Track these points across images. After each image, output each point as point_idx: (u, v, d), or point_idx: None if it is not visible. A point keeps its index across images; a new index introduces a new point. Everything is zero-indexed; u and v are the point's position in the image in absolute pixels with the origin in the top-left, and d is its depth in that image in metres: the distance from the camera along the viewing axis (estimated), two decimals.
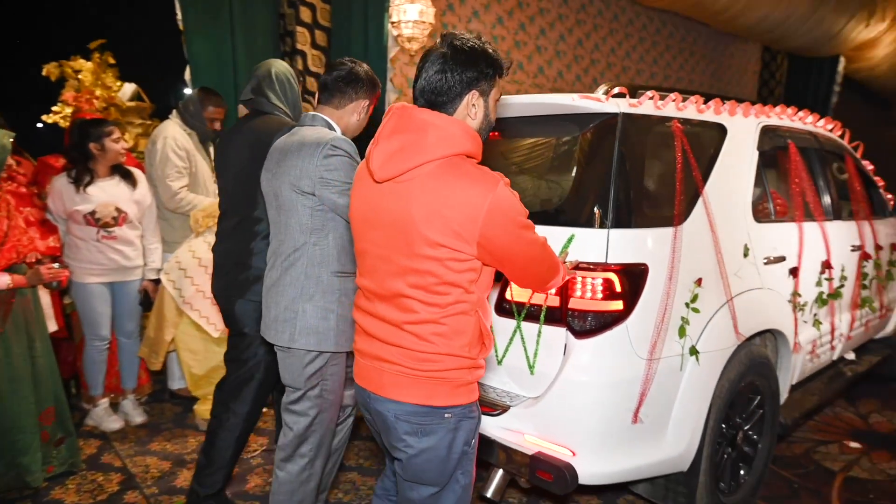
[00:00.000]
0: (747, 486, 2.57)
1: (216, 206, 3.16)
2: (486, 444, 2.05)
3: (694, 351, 2.11)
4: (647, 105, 2.20)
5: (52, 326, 2.84)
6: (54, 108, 4.07)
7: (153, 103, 4.47)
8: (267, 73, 2.32)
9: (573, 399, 1.97)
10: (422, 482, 1.47)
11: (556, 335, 2.02)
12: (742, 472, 2.58)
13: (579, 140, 2.16)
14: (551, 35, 7.12)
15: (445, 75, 1.36)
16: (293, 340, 1.85)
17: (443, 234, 1.33)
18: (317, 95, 1.99)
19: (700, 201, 2.23)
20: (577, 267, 1.91)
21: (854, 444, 3.33)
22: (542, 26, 6.98)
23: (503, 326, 2.15)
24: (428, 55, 1.39)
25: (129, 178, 3.14)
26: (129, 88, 4.26)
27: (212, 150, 3.66)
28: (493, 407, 2.07)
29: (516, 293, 2.07)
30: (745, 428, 2.54)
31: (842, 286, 3.07)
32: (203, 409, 3.23)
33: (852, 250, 3.22)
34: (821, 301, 2.90)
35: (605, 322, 1.94)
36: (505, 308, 2.15)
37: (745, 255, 2.39)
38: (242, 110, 3.62)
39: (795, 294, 2.69)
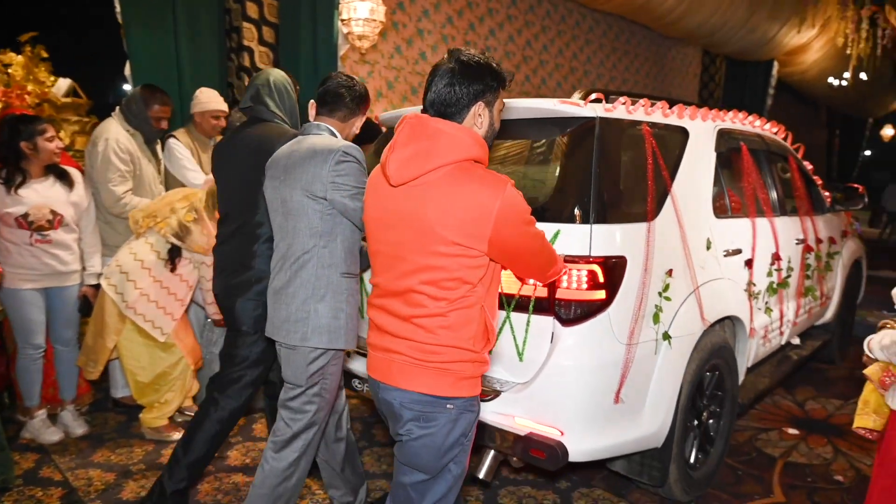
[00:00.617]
0: (711, 460, 2.82)
1: (157, 206, 3.06)
2: (480, 427, 2.15)
3: (667, 336, 2.34)
4: (620, 110, 2.42)
5: None
6: None
7: (90, 99, 4.30)
8: (265, 82, 2.43)
9: (561, 382, 2.15)
10: (415, 467, 1.58)
11: (544, 324, 2.18)
12: (706, 448, 2.81)
13: (561, 142, 2.35)
14: (501, 36, 7.20)
15: (454, 88, 1.50)
16: (306, 339, 1.96)
17: (456, 233, 1.46)
18: (315, 105, 2.12)
19: (669, 199, 2.45)
20: (564, 260, 2.07)
21: (792, 431, 3.51)
22: (491, 27, 7.05)
23: None
24: (437, 70, 1.53)
25: (66, 179, 3.01)
26: (63, 84, 4.08)
27: (159, 149, 3.53)
28: (484, 393, 2.20)
29: (505, 286, 2.21)
30: (709, 407, 2.77)
31: (789, 276, 3.37)
32: (149, 418, 3.14)
33: (797, 243, 3.52)
34: (771, 290, 3.18)
35: (590, 310, 2.14)
36: None
37: (708, 248, 2.64)
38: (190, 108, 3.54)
39: (750, 283, 2.96)
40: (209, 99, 3.75)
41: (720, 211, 2.80)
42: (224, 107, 3.83)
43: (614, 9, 7.29)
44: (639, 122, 2.46)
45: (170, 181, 3.59)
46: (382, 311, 1.60)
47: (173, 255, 3.08)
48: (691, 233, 2.50)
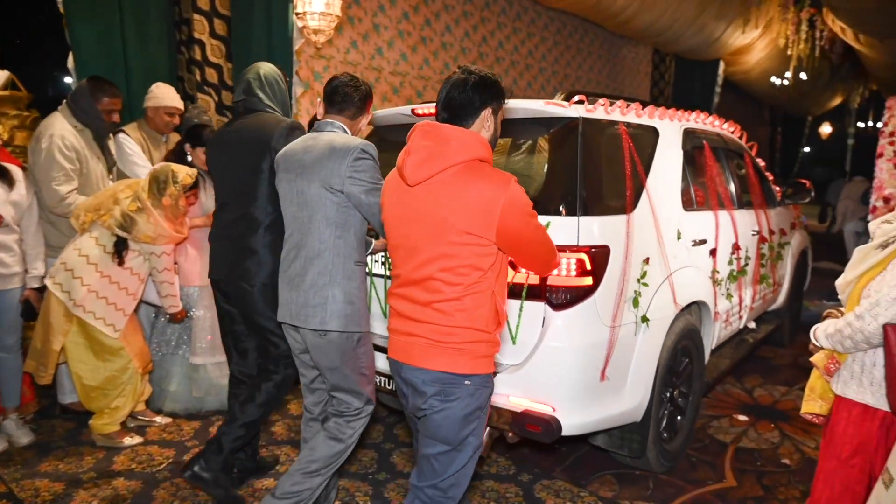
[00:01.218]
0: (682, 433, 3.10)
1: (99, 199, 2.94)
2: None
3: (645, 319, 2.59)
4: (599, 110, 2.65)
5: None
6: None
7: (30, 93, 4.10)
8: (256, 76, 2.56)
9: (552, 363, 2.35)
10: (439, 439, 1.76)
11: (536, 309, 2.39)
12: (677, 422, 3.06)
13: (547, 140, 2.56)
14: (457, 32, 7.21)
15: (467, 95, 1.72)
16: (324, 323, 2.10)
17: (468, 224, 1.65)
18: (322, 104, 2.26)
19: (644, 193, 2.70)
20: None
21: (742, 417, 3.65)
22: (447, 23, 7.05)
23: None
24: (451, 80, 1.76)
25: (5, 177, 2.89)
26: (0, 76, 3.86)
27: (112, 145, 3.39)
28: None
29: None
30: (680, 385, 3.02)
31: (746, 265, 3.66)
32: (100, 424, 3.04)
33: (752, 235, 3.82)
34: (732, 277, 3.46)
35: (578, 295, 2.36)
36: None
37: (678, 238, 2.90)
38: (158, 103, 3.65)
39: (714, 271, 3.23)
40: (165, 95, 3.65)
41: (687, 204, 3.05)
42: (180, 104, 3.74)
43: (568, 7, 7.39)
44: (616, 122, 2.70)
45: (121, 179, 3.46)
46: (403, 299, 1.78)
47: (120, 248, 3.00)
48: (664, 224, 2.76)
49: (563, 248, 2.28)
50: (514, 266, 2.29)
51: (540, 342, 2.37)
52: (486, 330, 1.72)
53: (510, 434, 2.43)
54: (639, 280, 2.56)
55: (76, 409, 3.35)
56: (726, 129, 3.92)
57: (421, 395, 1.75)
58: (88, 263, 2.97)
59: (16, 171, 2.96)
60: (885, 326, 1.68)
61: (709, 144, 3.45)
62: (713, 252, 3.22)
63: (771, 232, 4.14)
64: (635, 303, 2.54)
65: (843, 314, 1.85)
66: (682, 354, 2.98)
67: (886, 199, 6.33)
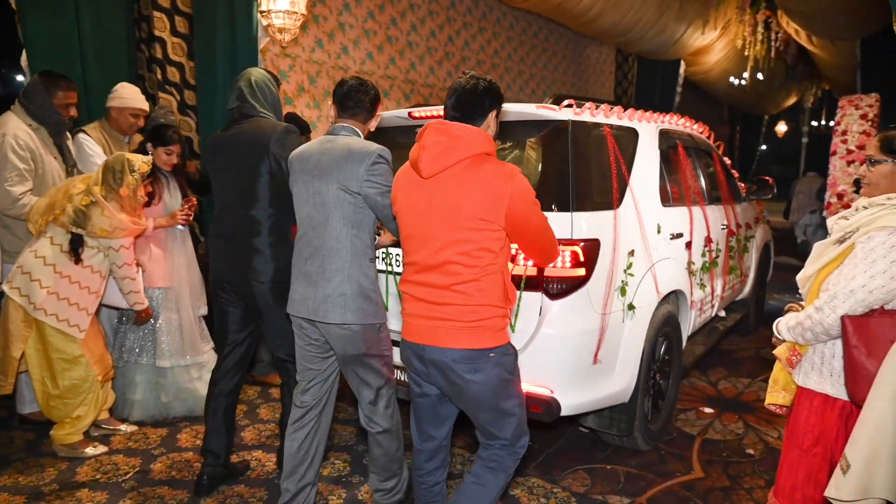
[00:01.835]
0: (663, 414, 3.35)
1: (52, 199, 2.86)
2: None
3: (632, 306, 2.78)
4: (586, 113, 2.83)
5: None
6: None
7: None
8: (248, 83, 2.66)
9: (549, 348, 2.51)
10: (482, 408, 1.95)
11: (533, 299, 2.56)
12: (659, 404, 3.30)
13: (540, 141, 2.72)
14: (422, 31, 7.21)
15: (478, 98, 1.92)
16: (345, 317, 2.20)
17: (481, 211, 1.83)
18: (334, 107, 2.34)
19: (628, 190, 2.90)
20: None
21: (708, 410, 3.75)
22: (413, 22, 7.04)
23: None
24: (462, 85, 1.93)
25: None
26: None
27: (72, 146, 3.29)
28: None
29: None
30: (662, 368, 3.25)
31: (717, 257, 3.88)
32: (62, 434, 2.95)
33: (722, 228, 4.04)
34: (705, 268, 3.67)
35: (573, 285, 2.55)
36: None
37: (659, 232, 3.09)
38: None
39: (690, 263, 3.43)
40: (131, 96, 3.56)
41: (665, 200, 3.23)
42: (145, 106, 3.65)
43: (532, 7, 7.45)
44: (601, 124, 2.89)
45: None
46: (421, 285, 1.93)
47: (75, 245, 2.91)
48: (646, 219, 2.96)
49: (558, 242, 2.40)
50: (513, 259, 2.42)
51: (538, 329, 2.54)
52: (502, 306, 1.91)
53: None
54: (625, 271, 2.73)
55: (36, 419, 3.25)
56: (696, 129, 4.14)
57: (451, 372, 1.91)
58: (45, 265, 2.88)
59: None
60: (842, 318, 1.74)
61: (682, 144, 3.65)
62: (688, 245, 3.43)
63: (738, 226, 4.37)
64: (623, 292, 2.72)
65: (803, 308, 1.92)
66: (663, 340, 3.17)
67: (840, 196, 6.58)
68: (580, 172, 2.65)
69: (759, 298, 5.49)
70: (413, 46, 7.12)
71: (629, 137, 3.07)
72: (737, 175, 4.73)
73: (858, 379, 1.70)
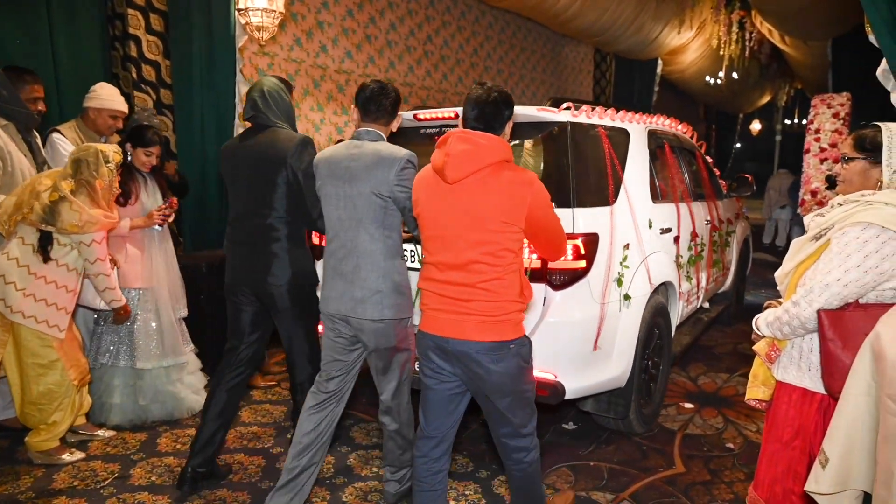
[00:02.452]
0: (655, 399, 3.51)
1: (20, 198, 2.80)
2: None
3: (627, 297, 2.93)
4: (583, 115, 3.03)
5: None
6: None
7: None
8: (260, 93, 2.75)
9: (553, 336, 2.62)
10: (503, 394, 2.08)
11: (538, 290, 2.67)
12: (651, 389, 3.45)
13: (541, 142, 2.87)
14: (402, 30, 7.19)
15: (498, 108, 2.04)
16: (382, 314, 2.35)
17: (504, 214, 1.96)
18: (357, 111, 2.44)
19: (622, 187, 3.07)
20: None
21: (688, 405, 3.80)
22: (392, 21, 7.02)
23: None
24: (481, 97, 2.03)
25: None
26: None
27: (47, 147, 3.22)
28: None
29: None
30: (653, 356, 3.39)
31: (702, 250, 4.06)
32: (37, 441, 2.91)
33: (706, 224, 4.22)
34: (691, 261, 3.86)
35: (574, 277, 2.72)
36: None
37: (650, 227, 3.26)
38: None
39: (678, 256, 3.61)
40: (110, 97, 3.50)
41: (655, 197, 3.43)
42: (125, 108, 3.60)
43: (510, 6, 7.47)
44: (596, 125, 3.08)
45: None
46: (445, 282, 2.05)
47: (44, 243, 2.84)
48: (639, 215, 3.14)
49: None
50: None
51: (542, 318, 2.69)
52: (522, 301, 2.06)
53: None
54: (621, 263, 2.90)
55: (11, 425, 3.17)
56: (680, 129, 4.32)
57: (474, 362, 2.04)
58: (19, 266, 2.81)
59: None
60: (818, 312, 1.77)
61: (668, 144, 3.86)
62: (676, 239, 3.62)
63: (720, 221, 4.58)
64: (619, 283, 2.88)
65: (781, 304, 1.95)
66: (655, 329, 3.32)
67: (814, 193, 6.72)
68: (579, 171, 2.82)
69: (739, 291, 5.73)
70: (392, 45, 7.10)
71: (621, 138, 3.25)
72: (718, 173, 4.91)
73: (834, 371, 1.73)
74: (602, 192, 2.93)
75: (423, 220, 2.10)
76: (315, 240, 3.32)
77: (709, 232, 4.26)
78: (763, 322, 1.96)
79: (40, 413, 2.92)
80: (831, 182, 5.92)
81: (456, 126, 3.27)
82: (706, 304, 4.60)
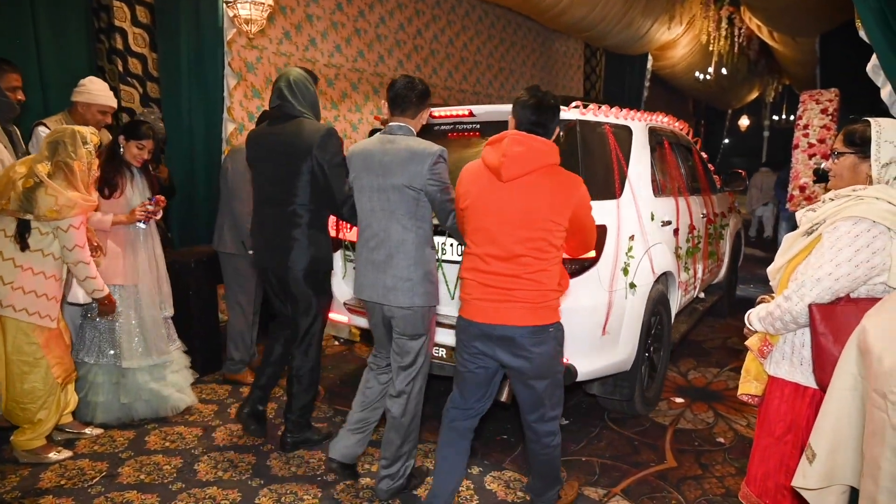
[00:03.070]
0: (656, 384, 3.70)
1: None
2: None
3: (633, 285, 3.07)
4: (590, 113, 3.23)
5: None
6: None
7: None
8: (287, 83, 2.85)
9: (566, 321, 2.68)
10: (542, 376, 2.25)
11: None
12: (652, 374, 3.62)
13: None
14: (391, 24, 7.15)
15: (554, 114, 2.22)
16: (413, 301, 2.49)
17: (552, 213, 2.14)
18: (387, 105, 2.56)
19: (627, 182, 3.24)
20: None
21: (679, 400, 3.82)
22: (381, 14, 6.97)
23: None
24: (537, 105, 2.19)
25: None
26: None
27: (17, 131, 3.17)
28: None
29: None
30: (654, 342, 3.55)
31: (699, 242, 4.21)
32: (23, 440, 2.88)
33: (702, 217, 4.38)
34: (689, 253, 4.02)
35: (585, 266, 2.90)
36: None
37: (652, 219, 3.42)
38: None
39: (677, 247, 3.83)
40: (99, 92, 3.46)
41: (656, 191, 3.58)
42: (114, 103, 3.56)
43: (500, 0, 7.45)
44: (602, 123, 3.27)
45: None
46: (492, 273, 2.19)
47: (22, 231, 2.79)
48: (642, 208, 3.27)
49: None
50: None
51: None
52: (560, 289, 2.24)
53: (504, 399, 2.76)
54: (627, 253, 3.05)
55: None
56: (678, 126, 4.47)
57: (518, 347, 2.20)
58: (4, 259, 2.77)
59: None
60: (810, 306, 1.79)
61: (667, 140, 3.99)
62: (676, 231, 3.78)
63: (715, 215, 4.75)
64: (625, 272, 3.03)
65: (774, 299, 1.96)
66: (656, 316, 3.47)
67: (802, 188, 6.76)
68: (588, 166, 2.98)
69: (731, 282, 5.94)
70: (382, 39, 7.05)
71: (625, 134, 3.42)
72: (713, 168, 5.08)
73: (825, 365, 1.74)
74: (609, 186, 3.09)
75: (472, 213, 2.24)
76: (332, 233, 3.32)
77: (705, 224, 4.43)
78: (755, 317, 1.97)
79: (24, 411, 2.88)
80: (819, 176, 5.96)
81: (465, 123, 3.32)
82: (702, 295, 4.78)
